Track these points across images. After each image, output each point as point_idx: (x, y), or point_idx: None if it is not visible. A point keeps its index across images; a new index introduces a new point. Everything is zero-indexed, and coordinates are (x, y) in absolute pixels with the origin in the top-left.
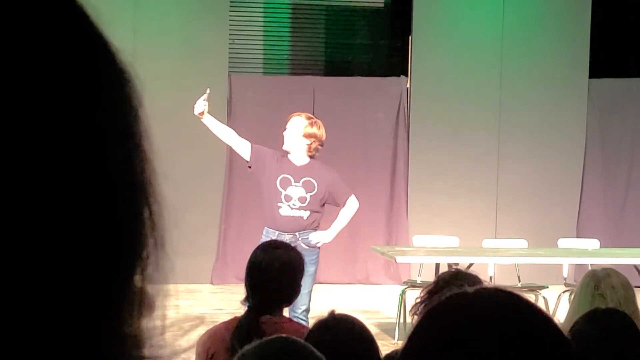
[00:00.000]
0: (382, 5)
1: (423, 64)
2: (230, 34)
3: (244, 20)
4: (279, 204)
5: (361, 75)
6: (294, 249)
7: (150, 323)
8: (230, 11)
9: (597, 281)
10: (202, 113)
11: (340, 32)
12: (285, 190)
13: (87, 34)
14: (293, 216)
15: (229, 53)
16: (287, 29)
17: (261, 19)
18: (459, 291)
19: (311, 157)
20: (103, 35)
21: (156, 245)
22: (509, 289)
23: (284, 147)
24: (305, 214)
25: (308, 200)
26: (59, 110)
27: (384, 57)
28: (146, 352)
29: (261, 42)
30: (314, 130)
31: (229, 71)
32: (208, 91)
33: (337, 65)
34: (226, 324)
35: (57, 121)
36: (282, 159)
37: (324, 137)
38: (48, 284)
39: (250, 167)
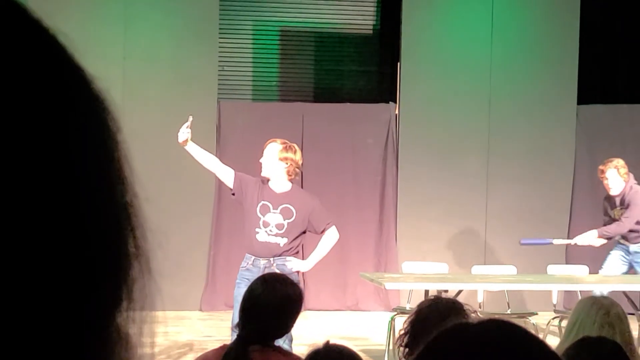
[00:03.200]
0: (371, 32)
1: (412, 91)
2: (219, 61)
3: (233, 47)
4: (257, 230)
5: (350, 102)
6: (296, 285)
7: (138, 351)
8: (220, 38)
9: (606, 310)
10: (185, 141)
11: (329, 59)
12: (263, 217)
13: (61, 63)
14: (270, 242)
15: (219, 79)
16: (276, 56)
17: (250, 46)
18: (457, 323)
19: (292, 182)
20: (76, 62)
21: (142, 271)
22: (504, 319)
23: (262, 174)
24: (282, 241)
25: (285, 227)
26: (34, 139)
27: (373, 84)
28: None
29: (250, 69)
30: (290, 154)
31: (219, 97)
32: (191, 118)
33: (326, 91)
34: (215, 352)
35: (34, 150)
36: (264, 186)
37: (300, 161)
38: (27, 314)
39: (233, 194)
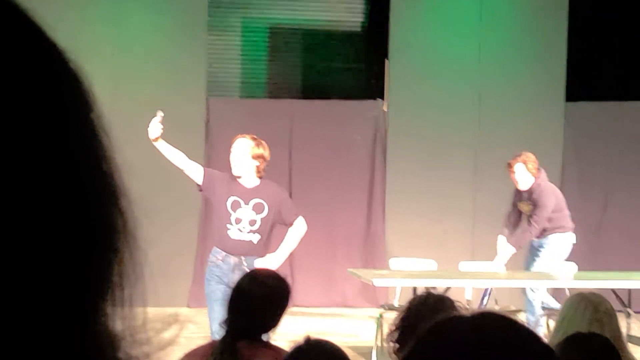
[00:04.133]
0: (359, 29)
1: (400, 87)
2: (208, 58)
3: (222, 44)
4: (228, 226)
5: (338, 98)
6: (283, 280)
7: (125, 347)
8: (208, 35)
9: (595, 306)
10: (157, 138)
11: (317, 56)
12: (235, 213)
13: (33, 36)
14: (243, 240)
15: (207, 76)
16: (265, 53)
17: (239, 43)
18: (449, 316)
19: (260, 177)
20: (50, 37)
21: (129, 261)
22: (498, 312)
23: (234, 172)
24: (255, 238)
25: (258, 223)
26: (12, 115)
27: (361, 81)
28: None
29: (239, 66)
30: (261, 150)
31: (207, 95)
32: (161, 114)
33: (314, 88)
34: (203, 348)
35: (11, 127)
36: (233, 181)
37: (269, 158)
38: (10, 307)
39: (201, 190)
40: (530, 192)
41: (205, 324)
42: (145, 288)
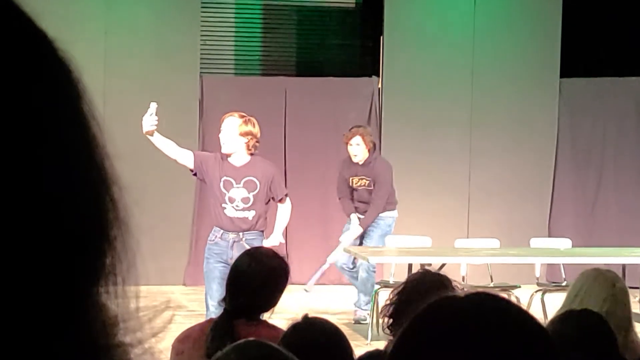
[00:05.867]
0: (353, 5)
1: (394, 64)
2: (201, 35)
3: (215, 21)
4: (224, 205)
5: (333, 76)
6: (281, 258)
7: (121, 327)
8: (202, 12)
9: (612, 282)
10: (152, 131)
11: (311, 33)
12: (228, 192)
13: (22, 26)
14: (238, 217)
15: (201, 54)
16: (259, 30)
17: (232, 20)
18: (444, 296)
19: (251, 155)
20: (36, 24)
21: (123, 242)
22: (491, 292)
23: (223, 151)
24: (250, 214)
25: (251, 200)
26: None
27: (355, 57)
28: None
29: (232, 43)
30: (249, 127)
31: (201, 72)
32: (155, 105)
33: (308, 65)
34: (200, 326)
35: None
36: (223, 162)
37: (259, 134)
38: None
39: (195, 174)
40: (367, 166)
41: (200, 302)
42: (138, 275)
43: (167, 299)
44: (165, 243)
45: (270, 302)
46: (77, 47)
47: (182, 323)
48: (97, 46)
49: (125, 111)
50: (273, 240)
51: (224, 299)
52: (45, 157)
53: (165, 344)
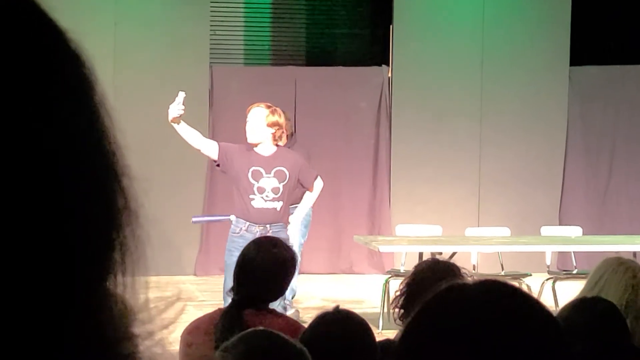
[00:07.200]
0: None
1: (404, 53)
2: (211, 25)
3: (225, 11)
4: (252, 197)
5: (343, 65)
6: (289, 247)
7: (131, 317)
8: (211, 2)
9: (633, 271)
10: (178, 118)
11: (321, 22)
12: (258, 183)
13: (34, 18)
14: (266, 208)
15: (210, 44)
16: (268, 20)
17: (242, 10)
18: (453, 283)
19: (277, 145)
20: (48, 15)
21: (133, 233)
22: (500, 280)
23: (249, 141)
24: (278, 205)
25: (281, 190)
26: (9, 93)
27: (365, 47)
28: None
29: (242, 33)
30: (276, 118)
31: (211, 62)
32: (183, 95)
33: (318, 55)
34: (209, 316)
35: (9, 103)
36: (250, 152)
37: (285, 124)
38: (12, 280)
39: (218, 165)
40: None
41: (211, 292)
42: (148, 266)
43: (178, 290)
44: (176, 233)
45: (278, 291)
46: (87, 38)
47: (194, 314)
48: (107, 37)
49: (135, 101)
50: (294, 226)
51: (232, 289)
52: (56, 146)
53: (175, 335)
